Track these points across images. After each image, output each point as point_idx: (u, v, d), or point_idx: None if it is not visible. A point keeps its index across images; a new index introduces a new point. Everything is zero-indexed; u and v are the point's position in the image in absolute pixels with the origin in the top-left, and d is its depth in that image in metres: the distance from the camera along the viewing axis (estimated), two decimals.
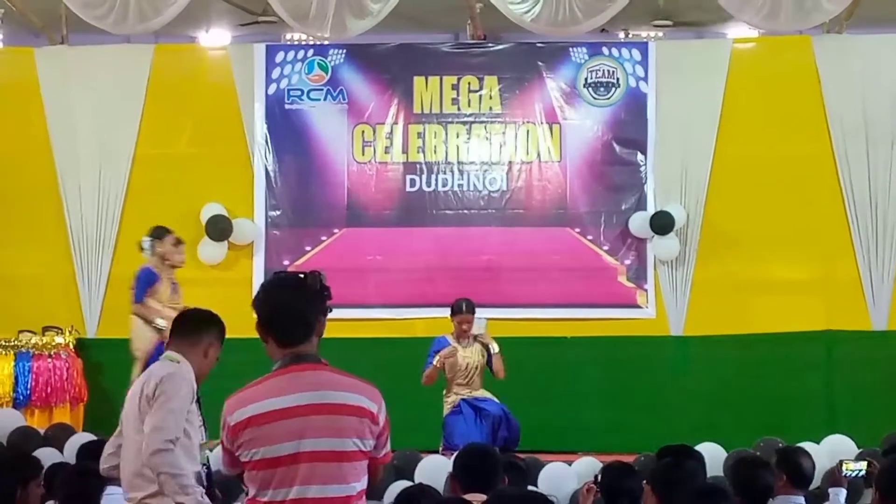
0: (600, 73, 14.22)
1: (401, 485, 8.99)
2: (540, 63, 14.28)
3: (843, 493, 7.55)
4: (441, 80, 14.34)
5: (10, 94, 14.39)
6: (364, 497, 4.40)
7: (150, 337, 11.35)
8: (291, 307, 4.40)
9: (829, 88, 13.94)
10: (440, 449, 11.27)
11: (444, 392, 11.54)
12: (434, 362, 11.36)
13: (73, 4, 12.32)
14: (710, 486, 5.43)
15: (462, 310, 11.47)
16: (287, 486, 4.27)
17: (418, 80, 14.34)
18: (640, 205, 14.10)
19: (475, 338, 11.49)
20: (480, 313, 11.84)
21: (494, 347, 11.45)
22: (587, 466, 9.92)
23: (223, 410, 4.39)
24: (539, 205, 14.24)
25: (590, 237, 14.10)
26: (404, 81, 14.35)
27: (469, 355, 11.47)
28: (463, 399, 11.38)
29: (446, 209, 14.29)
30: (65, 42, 14.25)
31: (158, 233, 11.69)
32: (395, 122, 14.31)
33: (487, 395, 11.45)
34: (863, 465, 7.52)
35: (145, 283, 11.47)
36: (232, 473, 4.51)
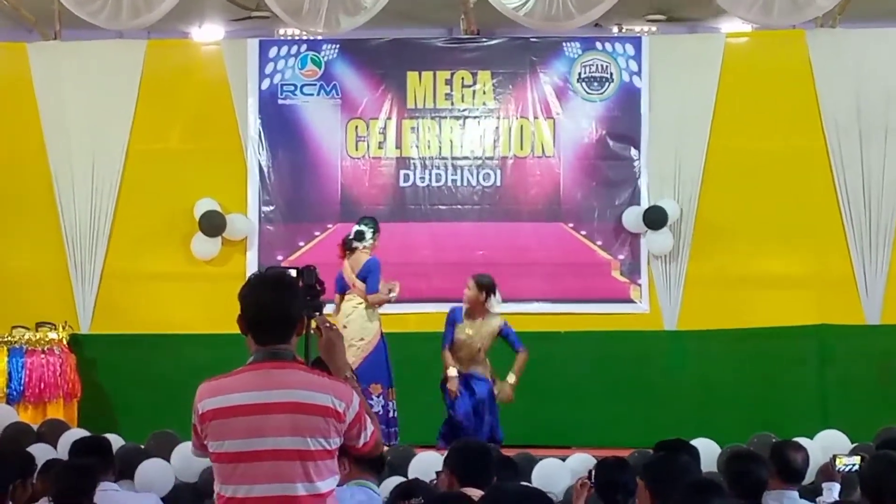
0: (594, 68, 14.22)
1: (394, 480, 8.97)
2: (533, 58, 14.29)
3: (836, 487, 7.55)
4: (434, 74, 14.34)
5: (3, 89, 14.38)
6: (333, 496, 4.40)
7: (375, 329, 11.42)
8: (273, 308, 4.38)
9: (822, 83, 13.95)
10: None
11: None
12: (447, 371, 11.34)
13: (66, 0, 12.28)
14: (704, 481, 5.41)
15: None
16: (249, 482, 4.29)
17: (412, 75, 14.34)
18: (634, 200, 14.11)
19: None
20: None
21: (511, 378, 11.33)
22: (581, 462, 9.90)
23: (196, 393, 4.39)
24: (533, 200, 14.24)
25: (583, 232, 14.10)
26: (398, 76, 14.35)
27: (473, 334, 11.33)
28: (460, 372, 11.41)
29: (440, 204, 14.29)
30: (57, 37, 14.24)
31: (377, 226, 11.67)
32: (389, 117, 14.31)
33: (484, 375, 11.40)
34: (856, 460, 7.52)
35: (379, 273, 11.49)
36: (200, 456, 4.51)
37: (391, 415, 11.65)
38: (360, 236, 11.55)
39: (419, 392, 11.94)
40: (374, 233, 11.58)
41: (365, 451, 4.55)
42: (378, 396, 11.50)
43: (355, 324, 11.43)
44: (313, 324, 4.62)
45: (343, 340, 4.64)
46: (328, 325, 4.63)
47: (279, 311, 4.38)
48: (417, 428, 11.80)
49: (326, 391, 4.33)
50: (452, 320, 11.35)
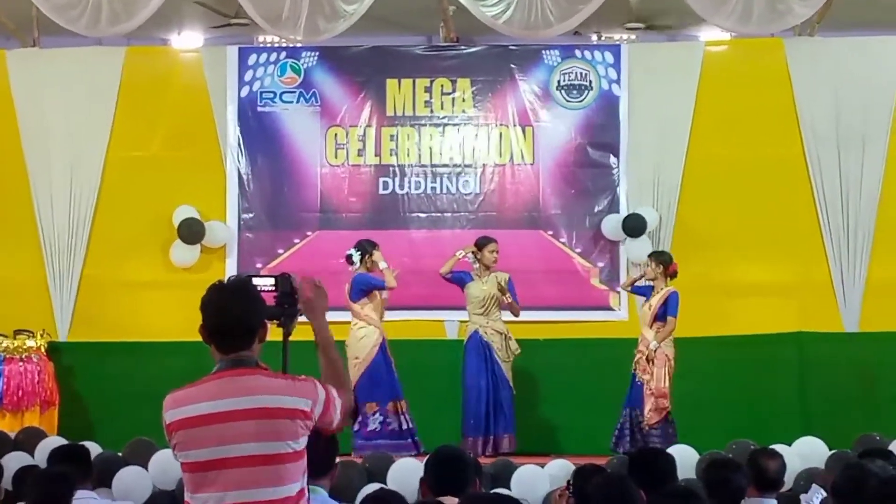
0: (573, 76, 14.25)
1: (373, 488, 8.97)
2: (513, 66, 14.30)
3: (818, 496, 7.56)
4: (414, 82, 14.35)
5: None
6: (305, 496, 4.40)
7: (367, 346, 11.86)
8: (233, 315, 4.38)
9: (800, 91, 14.00)
10: None
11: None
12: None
13: (45, 7, 12.25)
14: (683, 489, 5.42)
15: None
16: (221, 490, 4.27)
17: (391, 83, 14.35)
18: (613, 207, 14.14)
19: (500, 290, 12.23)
20: (454, 315, 13.15)
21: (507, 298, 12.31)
22: (560, 468, 9.91)
23: (163, 405, 4.39)
24: (512, 207, 14.25)
25: (562, 240, 14.12)
26: (377, 84, 14.35)
27: (483, 286, 12.23)
28: (476, 330, 12.16)
29: (419, 212, 14.30)
30: (36, 45, 14.20)
31: (370, 248, 12.14)
32: (368, 125, 14.32)
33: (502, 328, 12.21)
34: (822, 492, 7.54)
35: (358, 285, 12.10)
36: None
37: (405, 427, 11.78)
38: (349, 260, 12.09)
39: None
40: (361, 256, 12.04)
41: (342, 427, 4.56)
42: (374, 414, 11.65)
43: (350, 342, 11.73)
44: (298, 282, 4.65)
45: (325, 300, 4.66)
46: (314, 282, 4.65)
47: (239, 318, 4.38)
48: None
49: (291, 393, 4.34)
50: (461, 277, 12.41)
